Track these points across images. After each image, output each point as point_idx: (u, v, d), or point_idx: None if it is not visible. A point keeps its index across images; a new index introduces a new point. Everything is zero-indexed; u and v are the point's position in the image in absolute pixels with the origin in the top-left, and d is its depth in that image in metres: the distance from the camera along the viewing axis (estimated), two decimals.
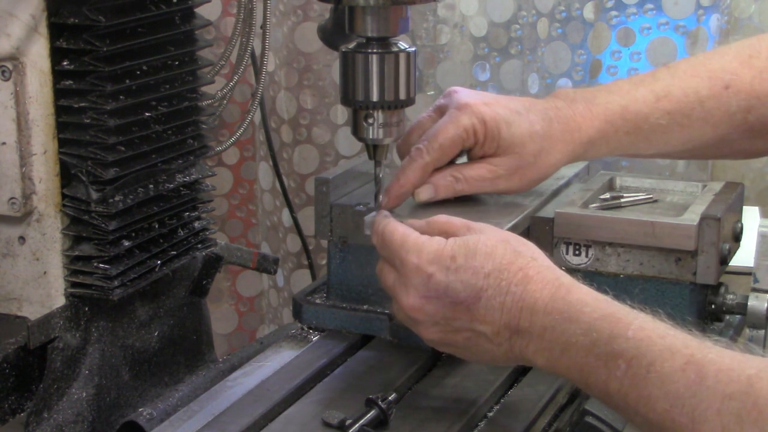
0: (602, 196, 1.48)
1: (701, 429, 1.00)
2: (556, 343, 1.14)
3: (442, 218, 1.27)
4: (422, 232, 1.25)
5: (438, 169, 1.41)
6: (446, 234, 1.24)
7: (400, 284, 1.23)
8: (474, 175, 1.42)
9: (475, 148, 1.42)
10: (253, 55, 1.72)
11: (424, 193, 1.40)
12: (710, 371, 1.02)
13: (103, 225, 1.30)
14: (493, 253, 1.19)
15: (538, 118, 1.44)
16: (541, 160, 1.43)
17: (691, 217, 1.37)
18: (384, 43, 1.34)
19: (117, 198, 1.32)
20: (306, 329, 1.53)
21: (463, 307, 1.19)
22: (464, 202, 1.45)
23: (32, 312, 1.32)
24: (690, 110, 1.46)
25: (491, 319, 1.18)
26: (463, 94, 1.43)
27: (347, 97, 1.37)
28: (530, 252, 1.21)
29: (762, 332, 1.52)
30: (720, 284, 1.41)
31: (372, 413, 1.24)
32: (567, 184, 1.60)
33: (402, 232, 1.25)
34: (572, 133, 1.44)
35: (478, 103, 1.41)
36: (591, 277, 1.41)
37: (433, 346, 1.26)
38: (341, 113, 2.31)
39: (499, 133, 1.41)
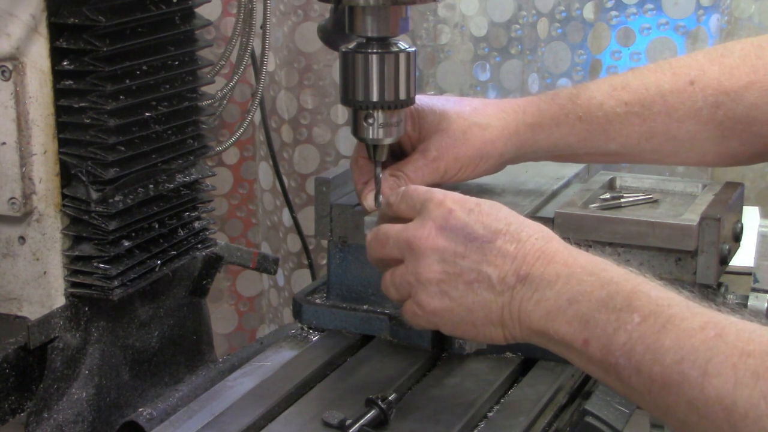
0: (602, 196, 1.48)
1: (711, 383, 0.96)
2: (566, 293, 1.10)
3: None
4: None
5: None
6: None
7: (416, 223, 1.20)
8: (411, 167, 1.42)
9: (412, 140, 1.44)
10: (253, 55, 1.72)
11: (375, 201, 1.40)
12: (731, 330, 0.98)
13: (103, 225, 1.30)
14: (519, 216, 1.19)
15: (470, 102, 1.45)
16: (474, 136, 1.42)
17: (691, 217, 1.37)
18: (384, 43, 1.34)
19: (117, 198, 1.32)
20: (306, 329, 1.53)
21: (476, 245, 1.16)
22: None
23: (32, 312, 1.32)
24: (650, 102, 1.42)
25: (501, 262, 1.15)
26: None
27: (347, 97, 1.37)
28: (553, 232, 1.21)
29: None
30: (720, 284, 1.41)
31: (372, 413, 1.24)
32: (567, 184, 1.60)
33: (427, 188, 1.24)
34: (513, 113, 1.44)
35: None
36: None
37: (424, 297, 1.19)
38: (341, 113, 2.31)
39: (425, 117, 1.43)
